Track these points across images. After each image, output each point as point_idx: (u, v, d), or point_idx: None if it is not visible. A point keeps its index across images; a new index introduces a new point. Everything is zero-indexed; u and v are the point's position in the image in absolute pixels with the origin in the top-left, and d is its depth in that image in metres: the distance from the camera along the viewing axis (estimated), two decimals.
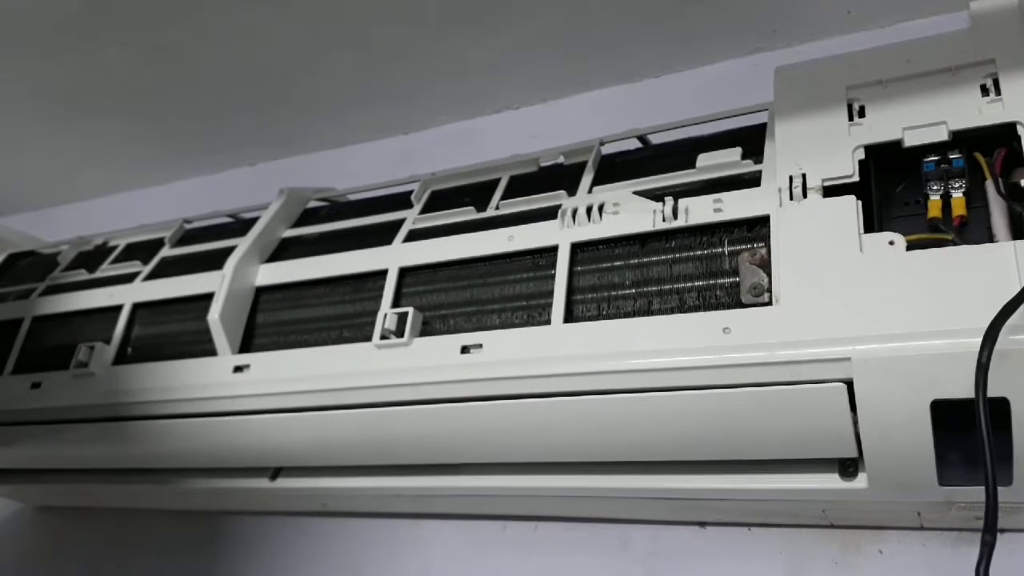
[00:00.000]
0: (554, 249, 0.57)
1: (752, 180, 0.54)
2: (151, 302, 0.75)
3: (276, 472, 0.72)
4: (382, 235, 0.67)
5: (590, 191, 0.60)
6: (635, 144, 0.67)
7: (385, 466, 0.66)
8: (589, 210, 0.57)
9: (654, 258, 0.55)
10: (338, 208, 0.79)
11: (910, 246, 0.46)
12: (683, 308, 0.52)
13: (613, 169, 0.63)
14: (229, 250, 0.71)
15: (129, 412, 0.69)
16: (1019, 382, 0.40)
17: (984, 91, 0.49)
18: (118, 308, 0.76)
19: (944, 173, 0.49)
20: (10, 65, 0.93)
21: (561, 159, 0.67)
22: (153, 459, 0.75)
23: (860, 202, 0.48)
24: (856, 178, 0.49)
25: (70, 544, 0.91)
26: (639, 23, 0.82)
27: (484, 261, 0.61)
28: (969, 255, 0.44)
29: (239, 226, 0.80)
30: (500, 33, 0.85)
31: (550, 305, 0.55)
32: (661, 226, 0.54)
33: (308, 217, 0.78)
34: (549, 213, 0.59)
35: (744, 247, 0.52)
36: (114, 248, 0.86)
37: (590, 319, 0.54)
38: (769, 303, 0.48)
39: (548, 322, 0.55)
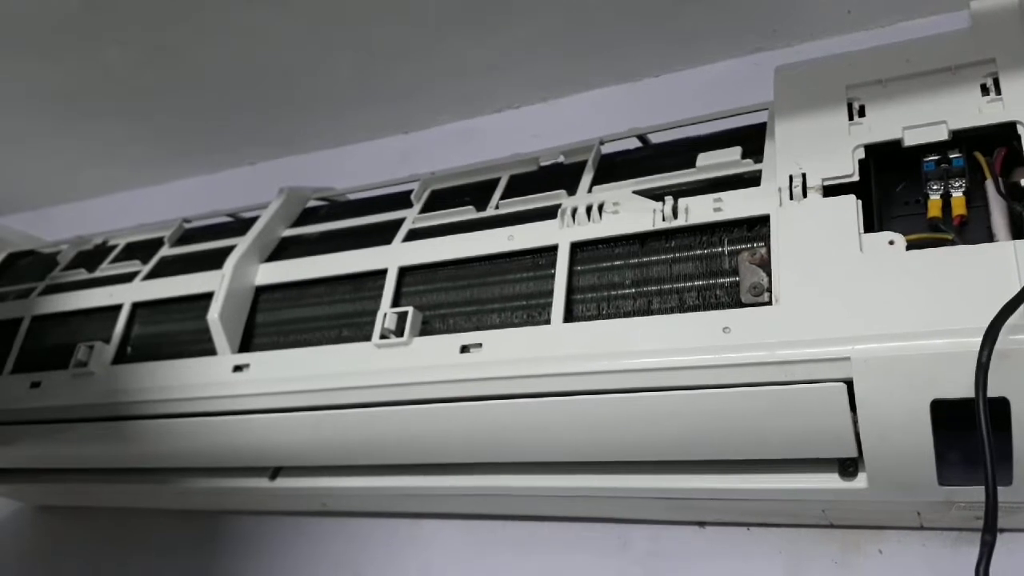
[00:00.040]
0: (554, 248, 0.57)
1: (752, 179, 0.54)
2: (151, 301, 0.75)
3: (275, 472, 0.72)
4: (382, 234, 0.67)
5: (590, 190, 0.60)
6: (635, 143, 0.67)
7: (385, 466, 0.66)
8: (589, 209, 0.57)
9: (654, 258, 0.55)
10: (338, 207, 0.79)
11: (910, 246, 0.46)
12: (683, 308, 0.52)
13: (613, 168, 0.63)
14: (229, 249, 0.71)
15: (128, 412, 0.69)
16: (1019, 382, 0.40)
17: (984, 90, 0.49)
18: (118, 307, 0.75)
19: (944, 173, 0.49)
20: (10, 64, 0.93)
21: (561, 158, 0.67)
22: (152, 459, 0.75)
23: (860, 202, 0.48)
24: (856, 177, 0.49)
25: (70, 544, 0.91)
26: (639, 23, 0.82)
27: (484, 260, 0.61)
28: (969, 255, 0.44)
29: (239, 225, 0.80)
30: (500, 33, 0.85)
31: (550, 305, 0.55)
32: (661, 225, 0.54)
33: (308, 216, 0.78)
34: (549, 212, 0.59)
35: (744, 247, 0.52)
36: (114, 247, 0.86)
37: (590, 319, 0.54)
38: (769, 303, 0.48)
39: (548, 322, 0.55)
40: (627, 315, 0.53)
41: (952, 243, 0.46)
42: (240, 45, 0.90)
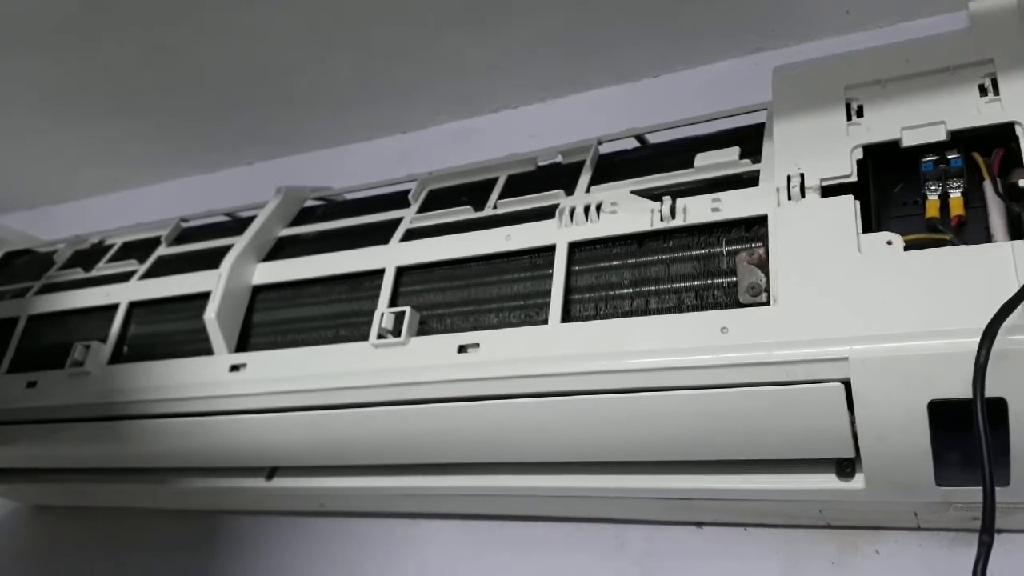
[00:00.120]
0: (551, 248, 0.57)
1: (750, 180, 0.54)
2: (147, 301, 0.75)
3: (272, 472, 0.71)
4: (379, 234, 0.67)
5: (588, 190, 0.60)
6: (633, 143, 0.67)
7: (382, 466, 0.66)
8: (587, 209, 0.57)
9: (652, 257, 0.54)
10: (335, 207, 0.79)
11: (908, 246, 0.46)
12: (681, 308, 0.52)
13: (611, 168, 0.63)
14: (226, 249, 0.71)
15: (125, 411, 0.69)
16: (1017, 382, 0.40)
17: (982, 91, 0.49)
18: (114, 307, 0.75)
19: (942, 173, 0.49)
20: (10, 63, 0.93)
21: (559, 158, 0.67)
22: (149, 458, 0.75)
23: (858, 202, 0.48)
24: (854, 178, 0.49)
25: (66, 544, 0.91)
26: (638, 23, 0.82)
27: (481, 260, 0.61)
28: (967, 255, 0.44)
29: (236, 225, 0.80)
30: (499, 33, 0.85)
31: (547, 305, 0.55)
32: (659, 225, 0.54)
33: (305, 216, 0.78)
34: (547, 212, 0.59)
35: (742, 247, 0.52)
36: (110, 247, 0.86)
37: (587, 319, 0.54)
38: (767, 303, 0.48)
39: (545, 322, 0.55)
40: (625, 315, 0.53)
41: (950, 243, 0.46)
42: (239, 45, 0.90)
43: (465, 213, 0.65)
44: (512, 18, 0.83)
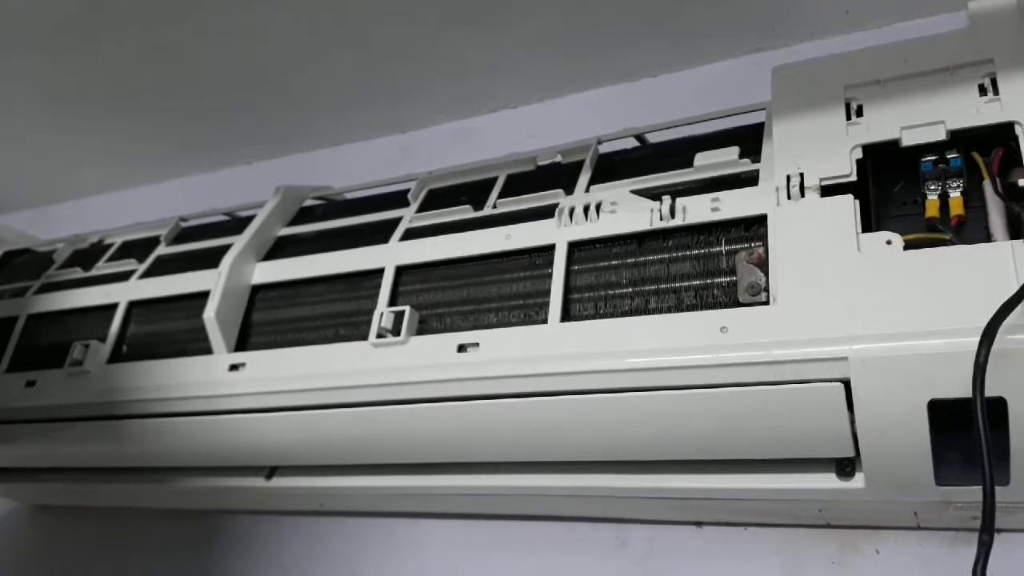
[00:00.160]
0: (551, 248, 0.57)
1: (750, 179, 0.54)
2: (146, 300, 0.75)
3: (272, 471, 0.71)
4: (379, 233, 0.67)
5: (587, 190, 0.60)
6: (633, 143, 0.67)
7: (381, 465, 0.66)
8: (586, 209, 0.57)
9: (651, 257, 0.54)
10: (334, 206, 0.79)
11: (908, 246, 0.46)
12: (680, 307, 0.52)
13: (610, 168, 0.63)
14: (225, 248, 0.71)
15: (124, 411, 0.69)
16: (1017, 381, 0.40)
17: (982, 91, 0.49)
18: (113, 306, 0.75)
19: (942, 173, 0.49)
20: (10, 63, 0.93)
21: (558, 158, 0.67)
22: (149, 458, 0.75)
23: (858, 201, 0.48)
24: (854, 177, 0.49)
25: (65, 543, 0.91)
26: (637, 23, 0.82)
27: (481, 260, 0.61)
28: (967, 255, 0.44)
29: (235, 224, 0.80)
30: (499, 33, 0.85)
31: (547, 304, 0.55)
32: (658, 225, 0.54)
33: (304, 215, 0.78)
34: (546, 212, 0.59)
35: (741, 246, 0.52)
36: (109, 246, 0.86)
37: (587, 318, 0.54)
38: (766, 302, 0.48)
39: (545, 321, 0.55)
40: (624, 314, 0.53)
41: (950, 243, 0.46)
42: (239, 45, 0.90)
43: (464, 212, 0.65)
44: (512, 18, 0.83)
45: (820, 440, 0.47)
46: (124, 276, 0.78)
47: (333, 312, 0.66)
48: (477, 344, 0.56)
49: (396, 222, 0.67)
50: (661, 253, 0.54)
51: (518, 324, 0.57)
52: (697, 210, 0.53)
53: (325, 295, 0.67)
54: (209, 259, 0.72)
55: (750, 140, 0.57)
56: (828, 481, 0.50)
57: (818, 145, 0.51)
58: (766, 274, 0.49)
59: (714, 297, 0.51)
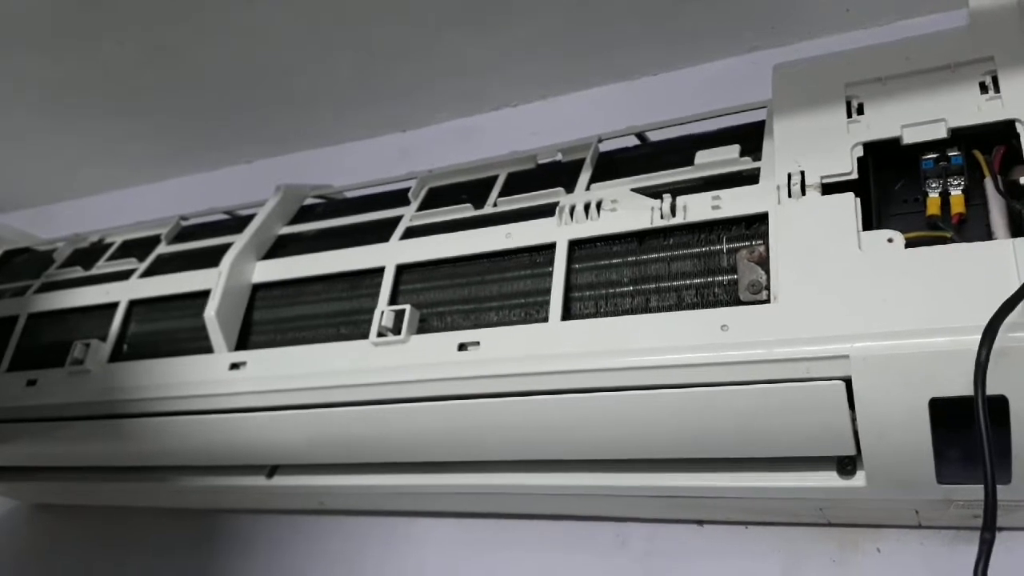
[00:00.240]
0: (552, 246, 0.57)
1: (751, 177, 0.54)
2: (147, 299, 0.75)
3: (272, 470, 0.71)
4: (379, 232, 0.67)
5: (588, 188, 0.60)
6: (633, 141, 0.67)
7: (382, 464, 0.66)
8: (587, 207, 0.57)
9: (652, 255, 0.54)
10: (335, 205, 0.79)
11: (909, 244, 0.46)
12: (681, 305, 0.52)
13: (611, 166, 0.63)
14: (225, 247, 0.71)
15: (125, 410, 0.69)
16: (1018, 380, 0.40)
17: (983, 88, 0.49)
18: (114, 305, 0.75)
19: (943, 171, 0.49)
20: (10, 64, 0.93)
21: (559, 156, 0.67)
22: (149, 457, 0.75)
23: (859, 199, 0.48)
24: (855, 175, 0.49)
25: (66, 542, 0.91)
26: (638, 22, 0.82)
27: (481, 258, 0.60)
28: (968, 253, 0.44)
29: (235, 223, 0.80)
30: (499, 32, 0.85)
31: (548, 302, 0.55)
32: (659, 223, 0.54)
33: (305, 214, 0.78)
34: (547, 210, 0.59)
35: (742, 244, 0.52)
36: (110, 245, 0.86)
37: (588, 316, 0.54)
38: (767, 301, 0.48)
39: (546, 319, 0.55)
40: (625, 313, 0.53)
41: (951, 241, 0.46)
42: (239, 45, 0.90)
43: (465, 211, 0.64)
44: (512, 18, 0.83)
45: (821, 438, 0.47)
46: (125, 275, 0.78)
47: (334, 311, 0.66)
48: (478, 343, 0.56)
49: (397, 221, 0.67)
50: (662, 251, 0.54)
51: (519, 323, 0.56)
52: (698, 208, 0.53)
53: (326, 294, 0.67)
54: (210, 258, 0.72)
55: (751, 138, 0.57)
56: (829, 479, 0.50)
57: (819, 143, 0.51)
58: (767, 272, 0.49)
59: (715, 295, 0.51)
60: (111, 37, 0.88)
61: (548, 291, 0.55)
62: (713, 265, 0.52)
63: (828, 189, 0.50)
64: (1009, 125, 0.47)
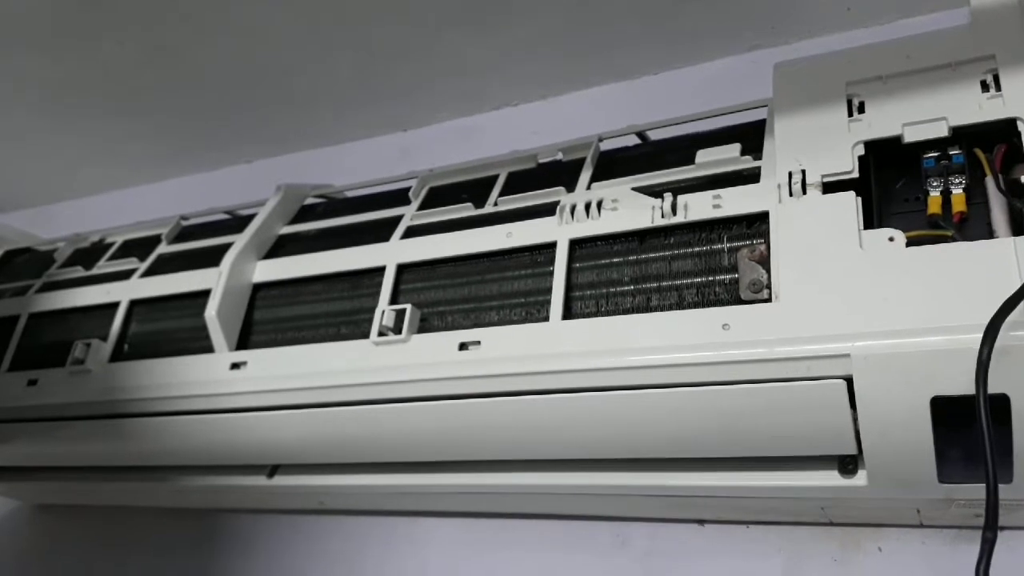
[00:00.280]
0: (552, 245, 0.57)
1: (751, 176, 0.54)
2: (148, 299, 0.75)
3: (273, 470, 0.71)
4: (380, 231, 0.67)
5: (589, 187, 0.60)
6: (634, 140, 0.67)
7: (382, 463, 0.66)
8: (588, 206, 0.57)
9: (653, 254, 0.54)
10: (335, 204, 0.79)
11: (910, 242, 0.46)
12: (682, 304, 0.52)
13: (612, 165, 0.63)
14: (226, 247, 0.71)
15: (126, 409, 0.69)
16: (1020, 378, 0.40)
17: (984, 87, 0.49)
18: (115, 305, 0.75)
19: (944, 169, 0.49)
20: (10, 64, 0.93)
21: (560, 155, 0.67)
22: (150, 456, 0.75)
23: (860, 198, 0.48)
24: (856, 174, 0.49)
25: (67, 542, 0.91)
26: (638, 21, 0.82)
27: (482, 258, 0.60)
28: (969, 251, 0.44)
29: (236, 223, 0.80)
30: (500, 32, 0.85)
31: (548, 302, 0.55)
32: (660, 222, 0.54)
33: (305, 214, 0.78)
34: (547, 209, 0.59)
35: (743, 243, 0.52)
36: (110, 245, 0.86)
37: (589, 316, 0.54)
38: (768, 299, 0.48)
39: (546, 319, 0.55)
40: (626, 312, 0.53)
41: (952, 240, 0.46)
42: (239, 45, 0.89)
43: (466, 210, 0.64)
44: (512, 18, 0.83)
45: (822, 437, 0.47)
46: (125, 275, 0.78)
47: (334, 310, 0.66)
48: (478, 342, 0.56)
49: (397, 220, 0.67)
50: (663, 250, 0.54)
51: (519, 322, 0.56)
52: (699, 207, 0.53)
53: (326, 293, 0.67)
54: (210, 258, 0.72)
55: (752, 137, 0.57)
56: (830, 479, 0.50)
57: (820, 142, 0.51)
58: (768, 271, 0.49)
59: (716, 295, 0.51)
60: (111, 37, 0.88)
61: (549, 290, 0.55)
62: (714, 264, 0.52)
63: (829, 188, 0.49)
64: (1010, 123, 0.47)
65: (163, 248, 0.81)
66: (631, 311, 0.53)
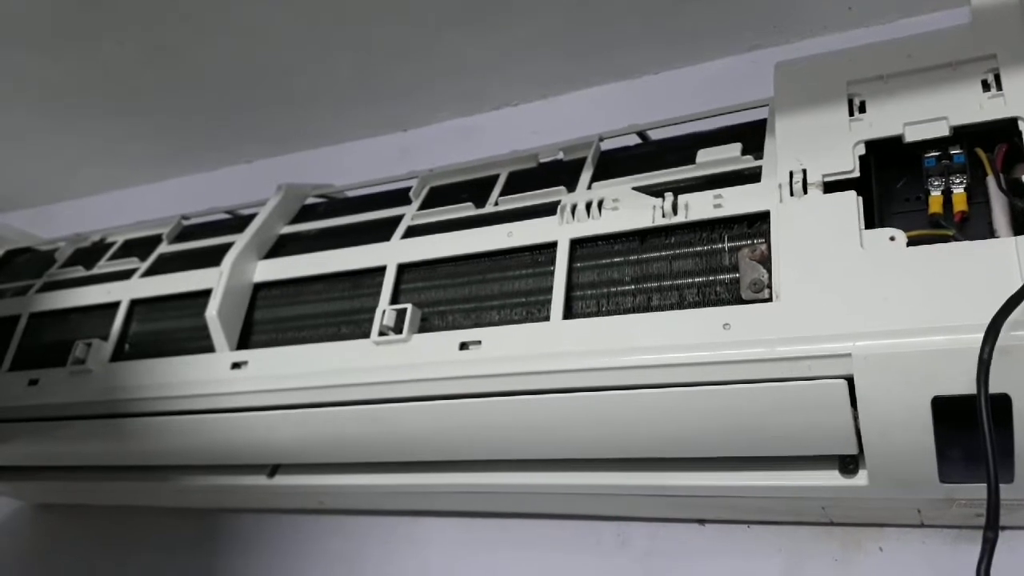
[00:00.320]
0: (553, 245, 0.57)
1: (752, 176, 0.54)
2: (148, 299, 0.75)
3: (274, 469, 0.71)
4: (380, 231, 0.67)
5: (589, 187, 0.60)
6: (635, 140, 0.67)
7: (383, 463, 0.66)
8: (588, 206, 0.57)
9: (654, 254, 0.54)
10: (336, 204, 0.79)
11: (911, 242, 0.46)
12: (683, 304, 0.52)
13: (613, 165, 0.63)
14: (227, 246, 0.71)
15: (127, 409, 0.69)
16: (1021, 378, 0.40)
17: (985, 86, 0.49)
18: (115, 305, 0.75)
19: (945, 169, 0.49)
20: (10, 63, 0.93)
21: (560, 155, 0.67)
22: (151, 456, 0.75)
23: (861, 198, 0.48)
24: (856, 174, 0.49)
25: (68, 542, 0.91)
26: (638, 21, 0.82)
27: (483, 257, 0.60)
28: (970, 251, 0.44)
29: (237, 222, 0.80)
30: (500, 32, 0.85)
31: (549, 301, 0.55)
32: (661, 222, 0.54)
33: (306, 213, 0.78)
34: (548, 209, 0.59)
35: (744, 243, 0.51)
36: (111, 244, 0.86)
37: (589, 315, 0.54)
38: (769, 299, 0.48)
39: (547, 318, 0.55)
40: (627, 312, 0.53)
41: (953, 239, 0.46)
42: (239, 45, 0.89)
43: (466, 210, 0.64)
44: (512, 18, 0.83)
45: (823, 437, 0.47)
46: (126, 275, 0.78)
47: (335, 310, 0.66)
48: (479, 342, 0.56)
49: (398, 220, 0.67)
50: (663, 250, 0.54)
51: (520, 322, 0.56)
52: (699, 207, 0.53)
53: (327, 293, 0.67)
54: (211, 257, 0.72)
55: (752, 136, 0.57)
56: (831, 478, 0.50)
57: (821, 141, 0.51)
58: (769, 271, 0.49)
59: (717, 294, 0.51)
60: (111, 37, 0.88)
61: (550, 290, 0.55)
62: (715, 264, 0.52)
63: (830, 187, 0.49)
64: (1011, 123, 0.47)
65: (164, 248, 0.81)
66: (632, 311, 0.53)
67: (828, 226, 0.48)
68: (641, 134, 0.67)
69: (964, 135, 0.49)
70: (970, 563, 0.40)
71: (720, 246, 0.52)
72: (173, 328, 0.72)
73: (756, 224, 0.51)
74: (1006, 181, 0.47)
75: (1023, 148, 0.46)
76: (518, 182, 0.66)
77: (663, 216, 0.54)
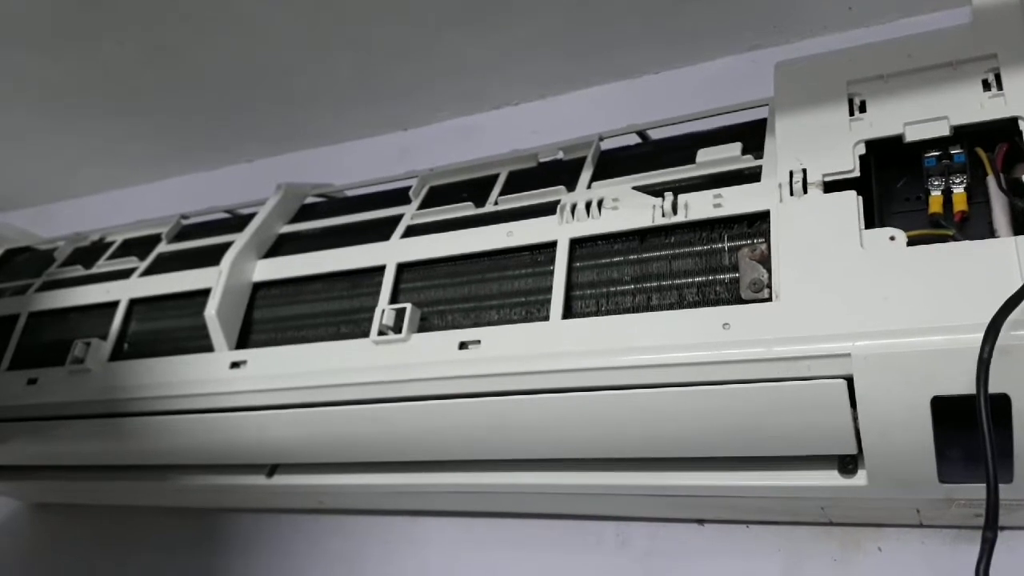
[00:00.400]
0: (553, 245, 0.57)
1: (752, 175, 0.54)
2: (148, 298, 0.75)
3: (273, 469, 0.71)
4: (380, 231, 0.67)
5: (589, 187, 0.60)
6: (635, 140, 0.67)
7: (382, 463, 0.66)
8: (588, 205, 0.57)
9: (653, 254, 0.54)
10: (336, 204, 0.79)
11: (911, 242, 0.46)
12: (682, 304, 0.52)
13: (612, 165, 0.63)
14: (226, 246, 0.71)
15: (126, 408, 0.69)
16: (1020, 378, 0.40)
17: (986, 86, 0.49)
18: (114, 304, 0.75)
19: (945, 168, 0.49)
20: (10, 63, 0.93)
21: (560, 155, 0.67)
22: (150, 456, 0.75)
23: (861, 197, 0.48)
24: (857, 173, 0.49)
25: (67, 541, 0.91)
26: (638, 21, 0.82)
27: (482, 257, 0.60)
28: (970, 251, 0.44)
29: (236, 222, 0.80)
30: (500, 32, 0.85)
31: (549, 301, 0.55)
32: (660, 222, 0.54)
33: (305, 213, 0.78)
34: (548, 209, 0.59)
35: (744, 243, 0.51)
36: (110, 244, 0.86)
37: (589, 315, 0.54)
38: (769, 299, 0.48)
39: (547, 318, 0.55)
40: (626, 311, 0.53)
41: (953, 239, 0.46)
42: (239, 45, 0.89)
43: (466, 209, 0.64)
44: (512, 17, 0.83)
45: (822, 437, 0.47)
46: (125, 274, 0.78)
47: (334, 310, 0.66)
48: (479, 341, 0.55)
49: (397, 219, 0.67)
50: (663, 250, 0.54)
51: (520, 321, 0.56)
52: (699, 206, 0.53)
53: (326, 292, 0.67)
54: (210, 257, 0.72)
55: (753, 136, 0.57)
56: (830, 478, 0.49)
57: (821, 141, 0.51)
58: (768, 271, 0.49)
59: (716, 294, 0.51)
60: (111, 37, 0.88)
61: (549, 289, 0.55)
62: (715, 263, 0.52)
63: (830, 187, 0.49)
64: (1012, 123, 0.47)
65: (163, 247, 0.81)
66: (631, 310, 0.53)
67: (828, 226, 0.48)
68: (641, 134, 0.67)
69: (964, 135, 0.49)
70: (969, 563, 0.40)
71: (720, 246, 0.52)
72: (172, 327, 0.72)
73: (756, 224, 0.51)
74: (1006, 181, 0.47)
75: (1023, 148, 0.46)
76: (518, 182, 0.66)
77: (663, 216, 0.54)
